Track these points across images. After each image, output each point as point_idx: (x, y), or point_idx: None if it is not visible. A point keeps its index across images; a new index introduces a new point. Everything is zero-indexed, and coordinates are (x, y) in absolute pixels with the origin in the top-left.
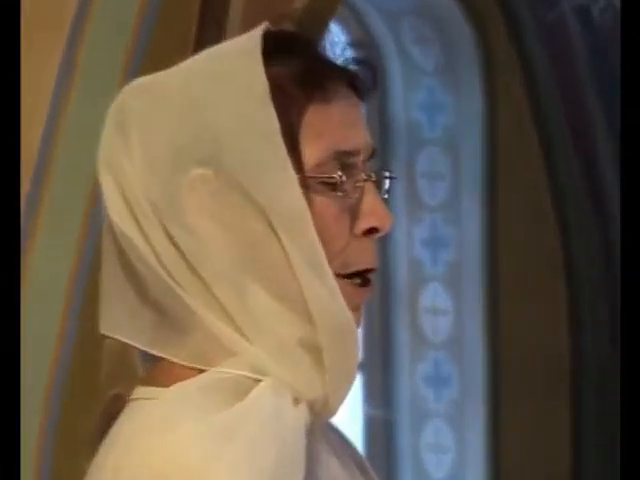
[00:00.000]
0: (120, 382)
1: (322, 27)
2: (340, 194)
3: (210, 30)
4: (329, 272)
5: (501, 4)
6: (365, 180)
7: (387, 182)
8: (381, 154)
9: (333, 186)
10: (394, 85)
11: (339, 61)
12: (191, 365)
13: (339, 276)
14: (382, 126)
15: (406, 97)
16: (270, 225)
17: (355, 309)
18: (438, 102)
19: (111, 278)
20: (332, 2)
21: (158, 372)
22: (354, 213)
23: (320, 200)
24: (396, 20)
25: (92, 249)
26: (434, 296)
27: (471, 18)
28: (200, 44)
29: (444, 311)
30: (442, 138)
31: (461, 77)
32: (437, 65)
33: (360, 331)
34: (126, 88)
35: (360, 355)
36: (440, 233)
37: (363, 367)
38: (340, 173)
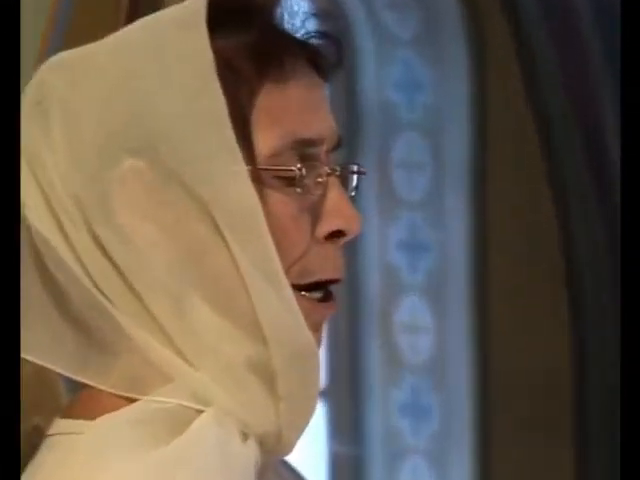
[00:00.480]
0: (41, 412)
1: None
2: (299, 190)
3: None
4: (285, 283)
5: None
6: (329, 174)
7: (355, 177)
8: (350, 140)
9: (291, 181)
10: (365, 59)
11: (299, 34)
12: (121, 393)
13: (296, 287)
14: (351, 108)
15: (379, 73)
16: (215, 226)
17: (315, 328)
18: (416, 79)
19: (29, 292)
20: None
21: (82, 402)
22: (316, 213)
23: (275, 197)
24: None
25: None
26: (412, 310)
27: None
28: (134, 12)
29: (423, 328)
30: (422, 121)
31: (444, 49)
32: (415, 35)
33: (322, 353)
34: (45, 64)
35: (322, 381)
36: (419, 235)
37: (327, 395)
38: (299, 165)
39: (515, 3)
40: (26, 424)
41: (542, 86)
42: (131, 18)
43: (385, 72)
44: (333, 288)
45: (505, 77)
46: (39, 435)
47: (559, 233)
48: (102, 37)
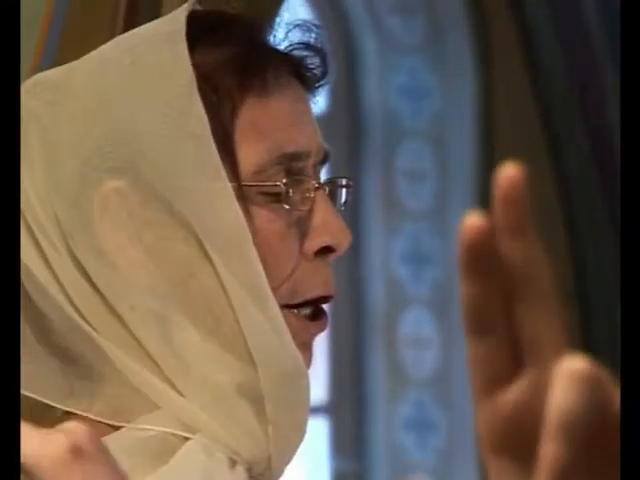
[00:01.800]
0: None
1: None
2: (286, 206)
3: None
4: (273, 303)
5: None
6: (316, 189)
7: (343, 192)
8: (353, 149)
9: (277, 196)
10: (368, 65)
11: (282, 46)
12: (106, 421)
13: (285, 307)
14: (353, 115)
15: (383, 79)
16: (200, 246)
17: (304, 347)
18: (421, 86)
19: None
20: None
21: None
22: (304, 229)
23: (262, 214)
24: None
25: None
26: (416, 323)
27: None
28: (131, 20)
29: (428, 342)
30: (427, 129)
31: (449, 56)
32: (420, 42)
33: (324, 367)
34: (23, 85)
35: (323, 391)
36: (424, 247)
37: (330, 410)
38: (285, 180)
39: (522, 10)
40: None
41: (550, 94)
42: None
43: (389, 78)
44: (323, 306)
45: (512, 84)
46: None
47: (567, 242)
48: (102, 32)
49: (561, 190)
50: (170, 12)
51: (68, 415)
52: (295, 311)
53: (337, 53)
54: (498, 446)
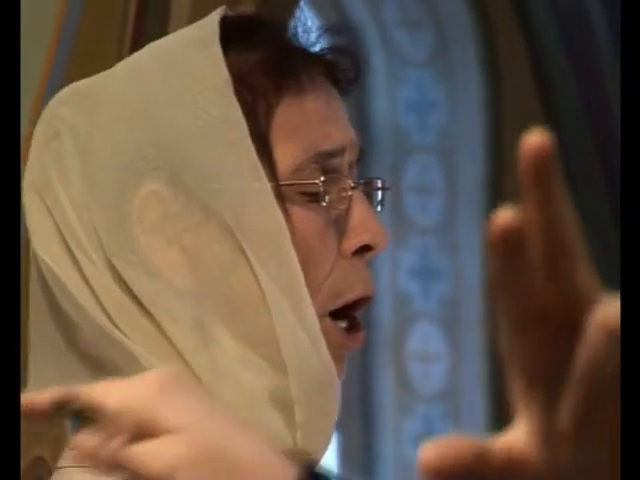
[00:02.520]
0: (42, 443)
1: (290, 8)
2: (324, 204)
3: (152, 18)
4: (311, 309)
5: None
6: (353, 188)
7: (379, 194)
8: (360, 163)
9: (314, 196)
10: (376, 79)
11: (314, 49)
12: None
13: (328, 314)
14: (361, 129)
15: (391, 94)
16: (239, 247)
17: (338, 359)
18: (429, 100)
19: (38, 328)
20: None
21: None
22: (341, 228)
23: (300, 213)
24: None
25: None
26: (424, 338)
27: None
28: (139, 35)
29: (436, 356)
30: (435, 144)
31: (457, 70)
32: (428, 55)
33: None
34: (55, 98)
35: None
36: (432, 261)
37: (338, 425)
38: (323, 178)
39: (530, 23)
40: (27, 455)
41: (559, 108)
42: (135, 43)
43: (397, 92)
44: (359, 317)
45: (520, 97)
46: (42, 466)
47: None
48: (111, 46)
49: (572, 201)
50: (177, 28)
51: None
52: (340, 323)
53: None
54: (529, 380)
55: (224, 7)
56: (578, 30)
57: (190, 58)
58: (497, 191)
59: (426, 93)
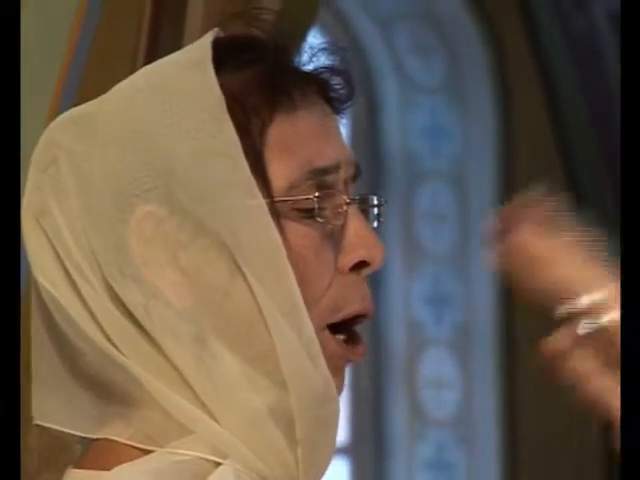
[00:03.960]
0: (51, 467)
1: (300, 35)
2: (320, 220)
3: (166, 30)
4: (309, 325)
5: (519, 6)
6: (348, 204)
7: (376, 210)
8: (373, 190)
9: (310, 212)
10: (388, 105)
11: (307, 68)
12: (138, 445)
13: (326, 329)
14: (373, 156)
15: (403, 120)
16: (235, 265)
17: (337, 372)
18: (441, 126)
19: (41, 354)
20: (310, 3)
21: (96, 452)
22: (337, 244)
23: (295, 229)
24: (390, 25)
25: None
26: (436, 364)
27: (481, 22)
28: (154, 47)
29: (448, 383)
30: (446, 170)
31: (469, 96)
32: (440, 81)
33: (344, 407)
34: (52, 124)
35: (343, 431)
36: (444, 288)
37: (351, 450)
38: (317, 194)
39: (543, 49)
40: (39, 478)
41: (571, 134)
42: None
43: (409, 118)
44: (359, 330)
45: (532, 124)
46: None
47: None
48: (125, 59)
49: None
50: (191, 41)
51: (97, 440)
52: (332, 336)
53: (357, 93)
54: None
55: (217, 29)
56: (589, 54)
57: (183, 80)
58: None
59: (438, 119)
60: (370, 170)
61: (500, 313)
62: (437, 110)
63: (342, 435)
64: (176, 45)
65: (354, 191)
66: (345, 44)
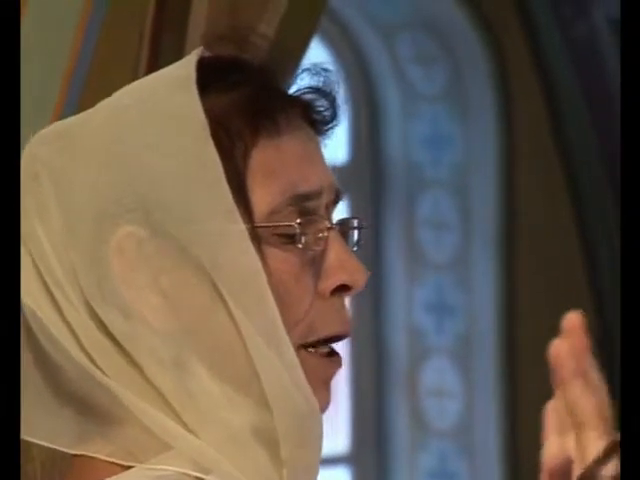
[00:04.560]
0: (55, 475)
1: (300, 47)
2: (300, 246)
3: (168, 40)
4: (288, 346)
5: (519, 14)
6: (329, 229)
7: (355, 233)
8: (375, 199)
9: (291, 237)
10: (389, 115)
11: (291, 90)
12: (119, 462)
13: (301, 347)
14: (375, 165)
15: (404, 129)
16: (216, 289)
17: (323, 387)
18: (443, 135)
19: (26, 371)
20: (312, 14)
21: (77, 468)
22: (318, 269)
23: (276, 255)
24: (392, 34)
25: None
26: (439, 374)
27: (483, 32)
28: (155, 57)
29: (451, 392)
30: (448, 179)
31: (471, 104)
32: (441, 90)
33: (346, 417)
34: (34, 138)
35: (345, 441)
36: (447, 297)
37: (352, 460)
38: (299, 221)
39: (544, 57)
40: None
41: (573, 144)
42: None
43: (410, 127)
44: (338, 346)
45: (534, 133)
46: None
47: (591, 296)
48: (127, 68)
49: (583, 236)
50: (191, 38)
51: (80, 456)
52: (312, 350)
53: (359, 102)
54: None
55: (201, 48)
56: (590, 60)
57: (167, 100)
58: (511, 226)
59: (440, 128)
60: (372, 179)
61: (502, 322)
62: (439, 119)
63: (344, 444)
64: (178, 54)
65: (335, 215)
66: (347, 54)
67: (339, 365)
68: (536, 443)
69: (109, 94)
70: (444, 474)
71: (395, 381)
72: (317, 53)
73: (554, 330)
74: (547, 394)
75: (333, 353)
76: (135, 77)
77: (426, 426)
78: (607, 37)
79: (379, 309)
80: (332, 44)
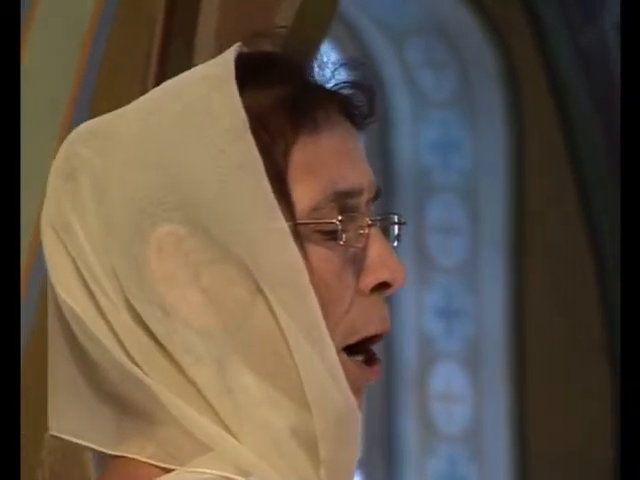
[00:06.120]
0: None
1: (312, 49)
2: (342, 243)
3: (177, 44)
4: (331, 346)
5: (528, 20)
6: (370, 225)
7: (396, 228)
8: (384, 203)
9: (332, 234)
10: (399, 119)
11: (329, 84)
12: (159, 464)
13: (344, 350)
14: (385, 169)
15: (414, 134)
16: (257, 288)
17: (357, 392)
18: (453, 140)
19: (59, 367)
20: (323, 18)
21: (115, 471)
22: (359, 266)
23: (317, 252)
24: (401, 39)
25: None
26: (448, 378)
27: (492, 36)
28: (164, 61)
29: (460, 397)
30: (458, 184)
31: (481, 109)
32: (451, 95)
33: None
34: (72, 135)
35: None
36: (456, 301)
37: (362, 465)
38: (340, 217)
39: (553, 62)
40: None
41: (582, 148)
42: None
43: (420, 132)
44: (376, 352)
45: (544, 139)
46: None
47: (598, 301)
48: (136, 76)
49: (593, 240)
50: (202, 55)
51: (118, 457)
52: (351, 357)
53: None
54: None
55: (239, 44)
56: (601, 69)
57: (206, 98)
58: (520, 231)
59: (449, 133)
60: (381, 183)
61: (511, 326)
62: (448, 124)
63: None
64: (187, 59)
65: (374, 210)
66: (357, 57)
67: (377, 374)
68: (545, 447)
69: (120, 97)
70: (453, 478)
71: (404, 385)
72: (327, 55)
73: (563, 335)
74: (555, 398)
75: (371, 360)
76: (145, 79)
77: (435, 430)
78: (614, 41)
79: (389, 314)
80: (342, 49)
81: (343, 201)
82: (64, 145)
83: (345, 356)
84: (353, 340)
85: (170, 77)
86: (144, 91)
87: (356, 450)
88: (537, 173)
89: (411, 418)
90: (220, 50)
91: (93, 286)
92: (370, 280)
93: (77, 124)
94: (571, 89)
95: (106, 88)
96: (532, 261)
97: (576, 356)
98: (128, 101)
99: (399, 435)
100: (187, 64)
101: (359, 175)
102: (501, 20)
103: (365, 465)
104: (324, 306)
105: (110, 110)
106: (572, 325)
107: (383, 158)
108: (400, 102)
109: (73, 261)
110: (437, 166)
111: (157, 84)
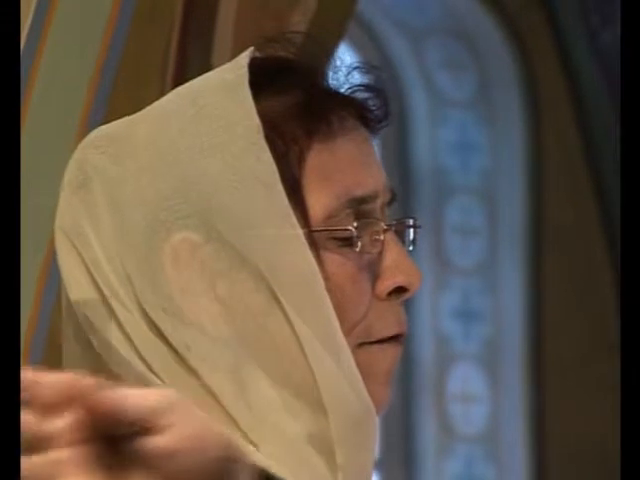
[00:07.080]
0: None
1: (328, 51)
2: (357, 250)
3: (194, 47)
4: (346, 349)
5: (547, 20)
6: (385, 230)
7: (411, 232)
8: (402, 205)
9: (347, 241)
10: (417, 120)
11: (343, 89)
12: None
13: (357, 346)
14: (403, 171)
15: (432, 135)
16: (273, 294)
17: (385, 380)
18: (471, 141)
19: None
20: (341, 19)
21: None
22: (375, 271)
23: (333, 259)
24: (420, 40)
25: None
26: (465, 379)
27: (511, 37)
28: (182, 64)
29: (477, 398)
30: (476, 185)
31: (499, 111)
32: (469, 96)
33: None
34: (85, 141)
35: (376, 449)
36: (474, 302)
37: (380, 465)
38: (355, 224)
39: (572, 64)
40: None
41: (600, 149)
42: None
43: (438, 133)
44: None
45: (562, 140)
46: None
47: (615, 302)
48: (153, 75)
49: (611, 241)
50: (220, 58)
51: None
52: (374, 345)
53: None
54: None
55: (252, 49)
56: (619, 70)
57: (219, 104)
58: (538, 232)
59: (467, 134)
60: (399, 185)
61: (529, 328)
62: (467, 125)
63: None
64: (205, 61)
65: (390, 215)
66: (375, 60)
67: (398, 350)
68: (562, 448)
69: (138, 99)
70: (470, 479)
71: (422, 387)
72: (345, 59)
73: (581, 335)
74: (573, 399)
75: (391, 339)
76: (163, 81)
77: (453, 431)
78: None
79: (406, 315)
80: (360, 50)
81: (358, 207)
82: (77, 152)
83: (359, 348)
84: (369, 340)
85: (188, 79)
86: (162, 93)
87: (373, 454)
88: (555, 174)
89: (429, 419)
90: (238, 51)
91: (109, 294)
92: (386, 285)
93: (94, 127)
94: (589, 90)
95: (124, 89)
96: (551, 262)
97: (594, 356)
98: (146, 103)
99: (417, 436)
100: (205, 65)
101: (374, 180)
102: (520, 22)
103: (383, 466)
104: (340, 312)
105: (128, 112)
106: (590, 326)
107: (401, 159)
108: (418, 103)
109: (86, 267)
110: (455, 167)
111: (175, 86)
